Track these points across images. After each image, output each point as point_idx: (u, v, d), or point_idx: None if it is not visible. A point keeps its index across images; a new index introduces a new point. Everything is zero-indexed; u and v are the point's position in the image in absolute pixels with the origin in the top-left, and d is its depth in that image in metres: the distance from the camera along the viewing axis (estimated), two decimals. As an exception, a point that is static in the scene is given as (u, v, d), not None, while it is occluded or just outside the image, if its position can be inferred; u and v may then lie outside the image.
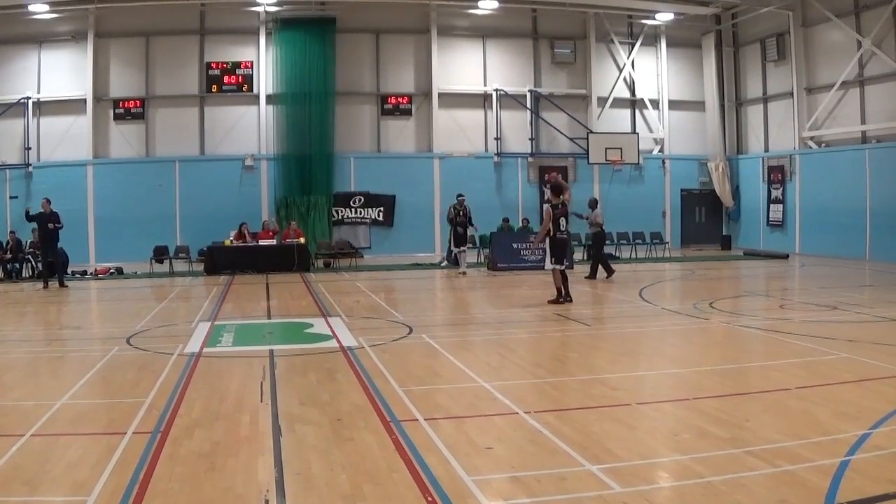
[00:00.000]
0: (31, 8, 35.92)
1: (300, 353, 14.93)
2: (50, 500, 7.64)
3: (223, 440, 9.22)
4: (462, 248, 30.71)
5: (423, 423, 9.65)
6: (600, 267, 27.39)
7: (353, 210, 37.45)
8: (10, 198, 36.03)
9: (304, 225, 36.17)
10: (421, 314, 20.08)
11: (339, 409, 10.55)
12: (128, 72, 38.14)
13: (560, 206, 21.07)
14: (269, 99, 38.43)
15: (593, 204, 28.94)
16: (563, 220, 21.16)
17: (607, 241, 36.41)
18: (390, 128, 39.75)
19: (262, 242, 33.02)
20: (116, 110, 38.05)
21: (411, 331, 16.94)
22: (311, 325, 18.17)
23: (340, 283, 27.58)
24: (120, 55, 38.07)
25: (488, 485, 7.63)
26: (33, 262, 30.92)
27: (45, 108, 37.69)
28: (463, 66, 40.06)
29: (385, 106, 39.71)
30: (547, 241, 21.27)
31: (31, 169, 37.25)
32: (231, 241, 32.99)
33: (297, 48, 38.06)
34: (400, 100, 39.73)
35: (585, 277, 26.42)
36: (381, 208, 37.42)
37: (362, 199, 37.33)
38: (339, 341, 15.77)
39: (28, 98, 37.15)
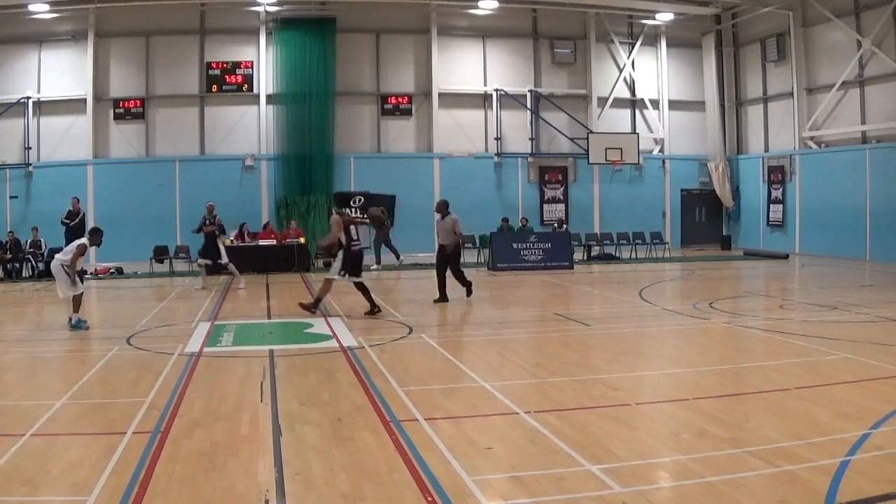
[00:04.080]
0: (32, 8, 35.97)
1: (300, 353, 14.98)
2: (50, 499, 7.67)
3: (223, 440, 9.27)
4: (207, 261, 27.72)
5: (423, 423, 9.70)
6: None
7: (353, 210, 37.37)
8: (11, 197, 36.08)
9: (305, 225, 36.14)
10: (421, 314, 20.05)
11: (339, 408, 10.60)
12: (128, 71, 38.14)
13: (348, 214, 20.26)
14: (270, 99, 38.41)
15: (443, 208, 23.37)
16: (353, 229, 20.42)
17: (606, 243, 36.61)
18: (390, 128, 39.74)
19: (262, 242, 33.01)
20: (116, 110, 38.04)
21: (411, 331, 16.97)
22: (311, 325, 18.23)
23: (340, 283, 27.49)
24: (120, 55, 38.09)
25: (488, 485, 7.67)
26: (33, 262, 30.94)
27: (45, 107, 37.68)
28: (463, 66, 40.05)
29: (385, 106, 39.68)
30: (340, 253, 20.09)
31: (31, 169, 37.23)
32: (231, 241, 32.99)
33: (297, 48, 38.03)
34: (400, 100, 39.70)
35: (435, 301, 22.15)
36: (381, 208, 37.29)
37: (362, 199, 37.22)
38: (338, 341, 15.85)
39: (28, 98, 37.14)
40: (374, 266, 32.49)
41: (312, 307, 19.86)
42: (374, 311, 19.80)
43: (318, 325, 18.08)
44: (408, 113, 39.77)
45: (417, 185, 38.08)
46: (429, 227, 36.75)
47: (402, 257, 33.22)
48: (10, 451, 8.91)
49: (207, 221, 27.68)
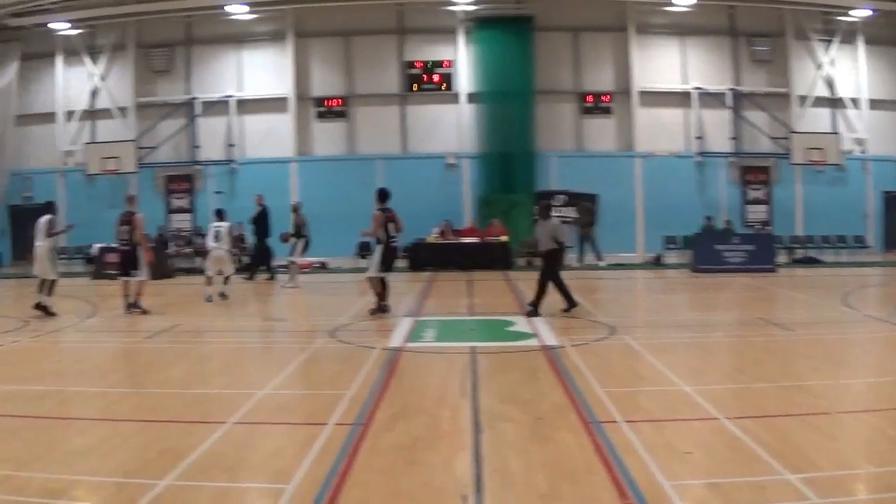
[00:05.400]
0: (231, 9, 37.41)
1: (502, 350, 15.06)
2: (250, 486, 7.93)
3: (423, 434, 9.36)
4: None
5: (622, 425, 9.56)
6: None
7: (554, 209, 37.32)
8: (215, 193, 37.19)
9: (507, 223, 36.24)
10: (622, 315, 19.91)
11: (540, 407, 10.57)
12: (329, 71, 39.26)
13: (388, 211, 20.16)
14: (470, 97, 38.72)
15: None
16: (391, 226, 20.07)
17: (809, 246, 35.70)
18: (590, 126, 39.58)
19: (465, 240, 33.30)
20: (319, 109, 39.12)
21: (613, 331, 16.82)
22: (513, 323, 18.21)
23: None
24: (320, 54, 39.20)
25: (686, 490, 7.54)
26: (238, 256, 31.92)
27: (247, 106, 39.07)
28: (661, 64, 39.60)
29: (585, 104, 39.54)
30: (380, 248, 20.06)
31: (234, 166, 38.44)
32: (434, 237, 33.42)
33: (495, 47, 38.22)
34: (600, 98, 39.50)
35: (563, 310, 19.65)
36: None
37: (564, 198, 37.14)
38: (540, 340, 15.80)
39: (231, 96, 38.50)
40: (577, 264, 32.43)
41: (378, 310, 19.80)
42: (378, 310, 19.79)
43: (521, 324, 18.06)
44: (608, 111, 39.56)
45: (619, 185, 37.85)
46: (631, 226, 36.61)
47: (602, 259, 32.92)
48: (212, 439, 9.22)
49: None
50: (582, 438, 9.10)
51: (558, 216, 35.87)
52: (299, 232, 27.65)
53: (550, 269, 19.87)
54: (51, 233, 20.37)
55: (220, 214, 25.52)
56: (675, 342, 16.06)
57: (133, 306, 21.04)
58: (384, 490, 7.62)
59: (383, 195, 20.34)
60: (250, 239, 31.63)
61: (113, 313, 21.32)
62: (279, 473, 8.03)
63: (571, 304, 19.58)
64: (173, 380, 13.07)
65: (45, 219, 20.61)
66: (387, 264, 20.01)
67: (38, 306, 20.00)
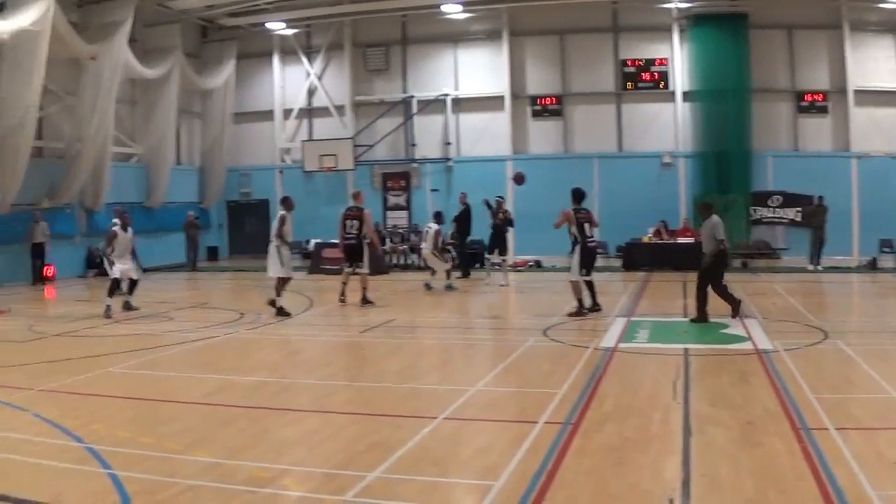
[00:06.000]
0: (446, 9, 37.88)
1: (714, 353, 14.84)
2: (458, 482, 8.04)
3: (633, 436, 9.32)
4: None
5: (832, 433, 9.30)
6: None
7: (770, 210, 36.57)
8: (431, 190, 37.65)
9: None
10: (836, 319, 19.33)
11: (751, 412, 10.37)
12: (544, 69, 39.15)
13: (583, 211, 19.86)
14: (685, 96, 38.17)
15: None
16: (587, 226, 19.77)
17: None
18: (806, 125, 38.48)
19: (680, 240, 32.94)
20: (534, 107, 39.15)
21: (826, 336, 16.35)
22: (727, 326, 17.84)
23: (757, 284, 27.03)
24: (535, 53, 39.17)
25: (893, 501, 7.32)
26: (453, 254, 32.14)
27: (463, 104, 39.50)
28: (876, 62, 38.04)
29: (801, 103, 38.51)
30: (577, 249, 19.74)
31: (450, 163, 38.84)
32: (649, 237, 33.16)
33: (710, 45, 37.45)
34: (815, 97, 38.45)
35: (692, 320, 18.72)
36: (799, 209, 36.25)
37: (780, 199, 36.36)
38: (754, 343, 15.48)
39: (447, 95, 38.95)
40: (811, 267, 31.71)
41: (578, 314, 19.56)
42: (587, 310, 19.73)
43: (734, 327, 17.70)
44: (824, 110, 38.31)
45: (834, 186, 36.58)
46: (847, 229, 35.50)
47: (818, 265, 32.05)
48: (423, 433, 9.42)
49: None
50: (792, 445, 8.91)
51: (773, 217, 35.35)
52: (502, 226, 27.80)
53: (710, 270, 18.94)
54: (278, 232, 20.36)
55: (437, 217, 26.21)
56: (889, 348, 15.49)
57: (365, 300, 21.91)
58: (591, 490, 7.62)
59: (578, 195, 20.39)
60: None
61: (329, 307, 21.92)
62: (487, 470, 8.12)
63: (702, 315, 18.57)
64: (386, 374, 13.42)
65: (277, 216, 20.73)
66: (586, 266, 19.94)
67: (272, 303, 20.40)
